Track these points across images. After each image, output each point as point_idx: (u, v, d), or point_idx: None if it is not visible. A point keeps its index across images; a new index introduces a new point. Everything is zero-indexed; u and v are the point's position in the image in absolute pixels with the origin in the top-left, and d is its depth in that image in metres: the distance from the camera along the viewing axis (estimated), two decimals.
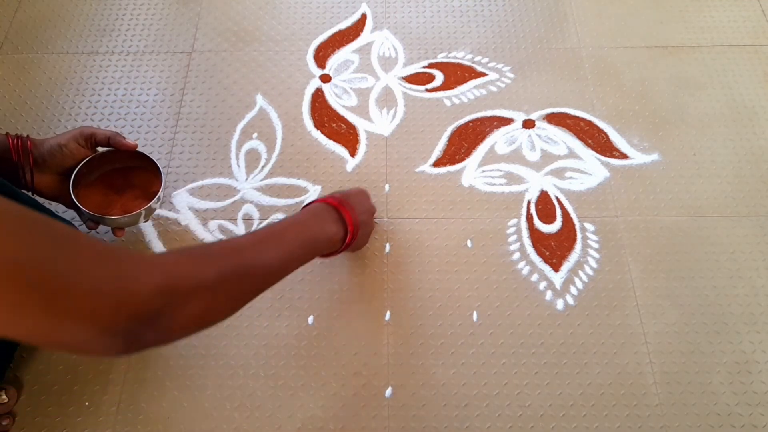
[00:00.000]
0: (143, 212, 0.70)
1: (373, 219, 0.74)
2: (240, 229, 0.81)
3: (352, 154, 0.87)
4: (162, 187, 0.72)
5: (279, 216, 0.82)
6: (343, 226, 0.63)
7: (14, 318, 0.33)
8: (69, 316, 0.35)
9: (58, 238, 0.36)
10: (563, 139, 0.88)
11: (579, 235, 0.80)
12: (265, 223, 0.81)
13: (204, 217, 0.82)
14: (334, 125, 0.90)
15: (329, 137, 0.89)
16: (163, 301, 0.40)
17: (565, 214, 0.82)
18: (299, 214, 0.62)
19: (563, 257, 0.79)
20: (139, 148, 0.70)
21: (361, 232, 0.68)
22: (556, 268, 0.78)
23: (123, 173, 0.74)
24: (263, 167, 0.86)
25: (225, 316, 0.48)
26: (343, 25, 1.01)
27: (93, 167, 0.71)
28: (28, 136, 0.66)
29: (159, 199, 0.71)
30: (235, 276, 0.48)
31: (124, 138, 0.70)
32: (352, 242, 0.65)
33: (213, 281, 0.45)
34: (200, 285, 0.44)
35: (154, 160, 0.72)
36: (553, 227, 0.81)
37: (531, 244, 0.80)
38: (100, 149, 0.71)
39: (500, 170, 0.86)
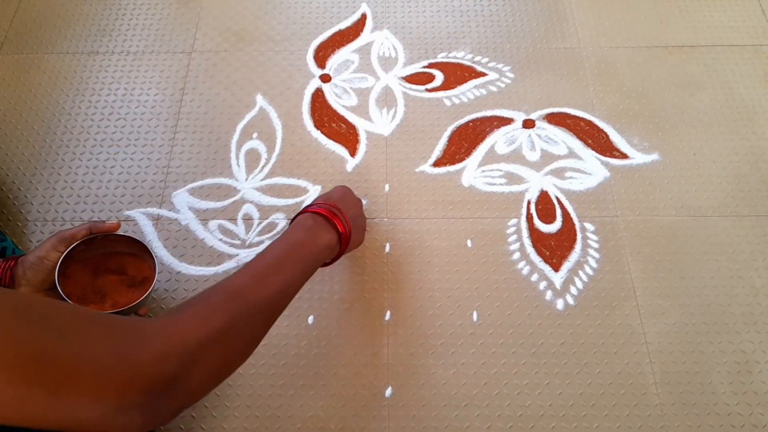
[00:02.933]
0: (136, 305, 0.64)
1: (363, 213, 0.72)
2: (240, 229, 0.81)
3: (352, 154, 0.87)
4: (156, 274, 0.66)
5: (279, 216, 0.82)
6: (336, 232, 0.62)
7: (22, 410, 0.33)
8: (76, 401, 0.35)
9: (55, 322, 0.35)
10: (563, 139, 0.88)
11: (579, 235, 0.80)
12: (265, 223, 0.81)
13: (204, 217, 0.82)
14: (334, 125, 0.90)
15: (329, 137, 0.89)
16: (172, 366, 0.39)
17: (565, 214, 0.82)
18: (291, 233, 0.59)
19: (563, 257, 0.79)
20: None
21: (354, 232, 0.66)
22: (556, 268, 0.78)
23: (106, 258, 0.67)
24: (263, 167, 0.86)
25: (243, 359, 0.47)
26: (343, 25, 1.01)
27: (74, 256, 0.64)
28: (15, 257, 0.62)
29: (153, 288, 0.65)
30: (243, 319, 0.46)
31: (104, 222, 0.65)
32: (347, 245, 0.64)
33: (222, 331, 0.44)
34: (210, 339, 0.42)
35: (144, 242, 0.67)
36: (553, 227, 0.81)
37: (531, 244, 0.80)
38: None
39: (500, 170, 0.86)
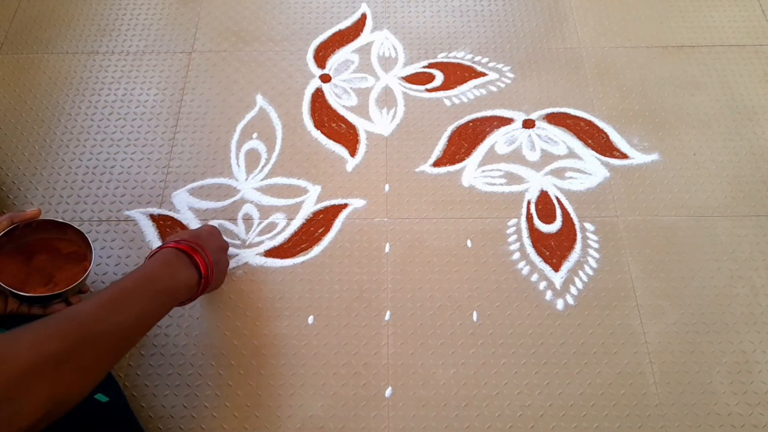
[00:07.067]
0: (81, 282, 0.61)
1: (227, 257, 0.70)
2: (240, 229, 0.81)
3: (352, 154, 0.87)
4: (92, 247, 0.63)
5: (279, 216, 0.82)
6: (196, 270, 0.59)
7: None
8: None
9: None
10: (563, 139, 0.88)
11: (579, 235, 0.80)
12: (265, 223, 0.81)
13: (204, 217, 0.82)
14: (334, 125, 0.90)
15: (329, 137, 0.89)
16: None
17: (565, 214, 0.82)
18: (147, 266, 0.56)
19: (563, 257, 0.79)
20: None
21: (217, 272, 0.64)
22: (556, 268, 0.78)
23: (34, 244, 0.64)
24: (263, 167, 0.86)
25: (80, 391, 0.44)
26: (343, 25, 1.01)
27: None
28: None
29: (88, 273, 0.62)
30: (81, 348, 0.44)
31: (24, 211, 0.61)
32: (207, 285, 0.61)
33: (55, 358, 0.41)
34: (41, 365, 0.40)
35: (68, 222, 0.64)
36: (553, 227, 0.81)
37: (531, 244, 0.80)
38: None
39: (500, 170, 0.86)
